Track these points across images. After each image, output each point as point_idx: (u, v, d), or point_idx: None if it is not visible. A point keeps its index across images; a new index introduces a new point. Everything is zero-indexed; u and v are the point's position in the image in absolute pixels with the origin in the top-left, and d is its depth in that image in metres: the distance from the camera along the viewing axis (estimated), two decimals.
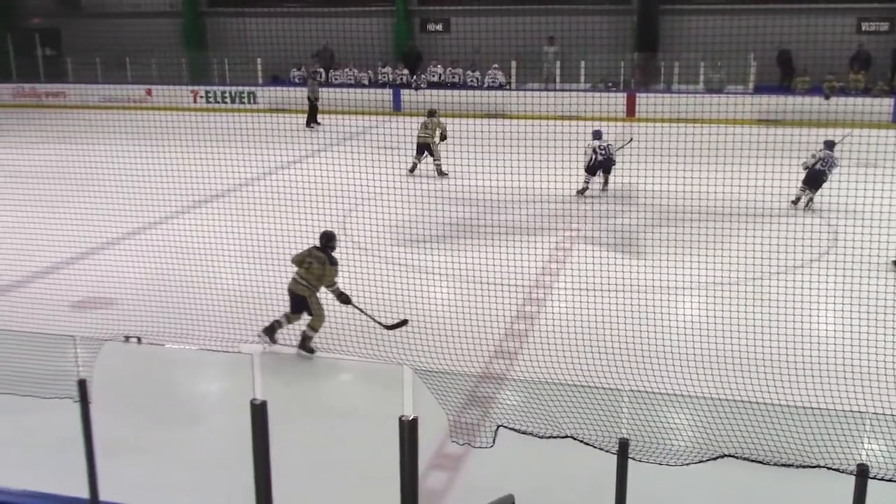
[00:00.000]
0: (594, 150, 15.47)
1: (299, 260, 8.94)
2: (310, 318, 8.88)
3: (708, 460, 5.38)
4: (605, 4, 27.27)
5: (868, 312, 8.89)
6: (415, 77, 27.80)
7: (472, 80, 27.01)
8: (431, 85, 26.96)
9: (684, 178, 10.19)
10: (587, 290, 9.63)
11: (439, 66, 27.85)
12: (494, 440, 5.56)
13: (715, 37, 22.02)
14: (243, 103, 27.57)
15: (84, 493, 5.61)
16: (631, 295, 9.75)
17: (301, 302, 8.88)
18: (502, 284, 9.78)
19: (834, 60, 23.42)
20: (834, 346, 7.90)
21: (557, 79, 26.52)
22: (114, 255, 11.28)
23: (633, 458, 5.19)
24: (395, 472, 5.02)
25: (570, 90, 23.41)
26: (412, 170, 17.44)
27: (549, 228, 13.23)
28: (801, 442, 5.30)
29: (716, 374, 7.43)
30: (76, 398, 5.35)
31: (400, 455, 5.05)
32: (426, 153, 17.44)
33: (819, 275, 9.64)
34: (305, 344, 8.79)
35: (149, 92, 27.92)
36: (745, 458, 5.23)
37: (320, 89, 24.00)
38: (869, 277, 9.72)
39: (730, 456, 5.35)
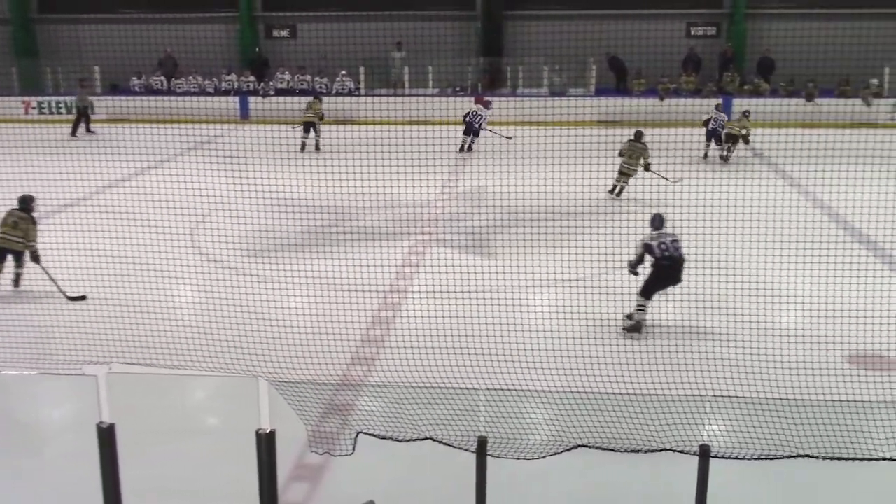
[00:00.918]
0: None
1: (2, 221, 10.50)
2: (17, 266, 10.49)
3: (563, 451, 5.55)
4: (450, 10, 27.66)
5: (700, 303, 9.38)
6: (262, 84, 27.32)
7: (320, 87, 26.78)
8: (279, 92, 26.54)
9: (531, 179, 10.45)
10: (442, 291, 9.73)
11: (287, 72, 27.47)
12: (354, 447, 5.54)
13: (556, 42, 22.71)
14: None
15: None
16: (484, 295, 9.92)
17: (8, 254, 10.48)
18: (357, 291, 9.74)
19: (667, 63, 24.70)
20: (673, 335, 8.31)
21: (406, 84, 26.70)
22: None
23: (492, 455, 5.29)
24: (254, 488, 4.91)
25: (419, 95, 23.62)
26: (302, 148, 19.72)
27: (402, 233, 13.30)
28: (647, 428, 5.54)
29: (568, 368, 7.65)
30: None
31: (258, 469, 4.95)
32: (311, 130, 20.23)
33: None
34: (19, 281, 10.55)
35: None
36: (597, 448, 5.43)
37: (91, 98, 23.99)
38: (706, 271, 10.26)
39: (583, 446, 5.54)
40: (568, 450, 5.46)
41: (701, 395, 5.96)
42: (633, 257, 9.52)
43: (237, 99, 26.37)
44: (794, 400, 6.41)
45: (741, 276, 9.64)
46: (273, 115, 19.32)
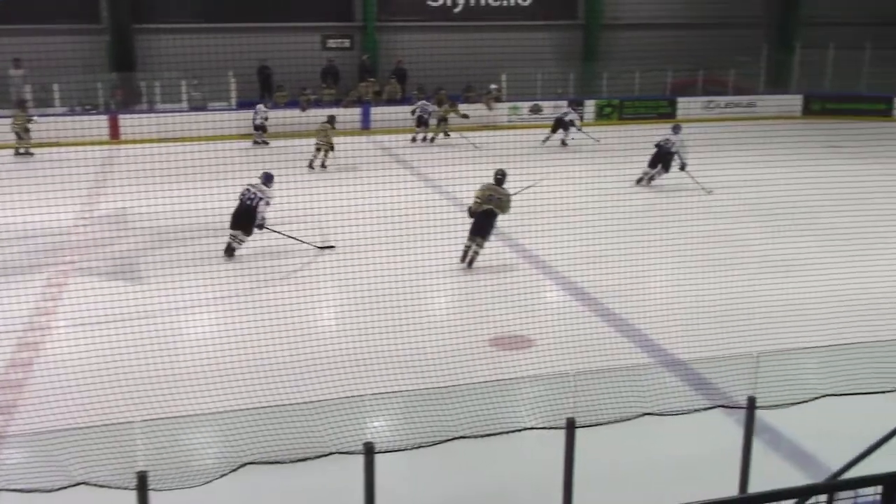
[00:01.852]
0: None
1: None
2: None
3: (230, 472, 5.43)
4: (73, 24, 25.80)
5: (348, 303, 9.69)
6: None
7: None
8: None
9: (173, 197, 10.09)
10: (89, 323, 9.06)
11: None
12: None
13: (192, 56, 22.15)
14: None
15: None
16: (135, 321, 9.40)
17: None
18: None
19: (308, 75, 25.14)
20: (323, 338, 8.48)
21: (30, 104, 24.50)
22: None
23: (155, 489, 5.04)
24: None
25: (47, 115, 21.84)
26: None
27: (38, 265, 12.19)
28: (312, 434, 5.59)
29: (227, 386, 7.50)
30: None
31: None
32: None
33: (324, 273, 10.25)
34: None
35: None
36: (264, 462, 5.38)
37: None
38: (351, 273, 10.61)
39: (251, 463, 5.46)
40: (234, 470, 5.35)
41: (360, 396, 6.14)
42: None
43: None
44: (449, 387, 6.83)
45: (384, 273, 10.09)
46: None
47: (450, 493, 6.75)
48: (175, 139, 13.72)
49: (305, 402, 5.98)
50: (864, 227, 11.90)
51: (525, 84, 26.12)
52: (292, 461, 5.38)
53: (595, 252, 10.27)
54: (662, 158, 17.35)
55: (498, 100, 26.26)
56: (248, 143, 22.64)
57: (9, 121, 21.40)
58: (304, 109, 23.07)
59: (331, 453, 5.46)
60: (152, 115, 23.09)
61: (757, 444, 5.99)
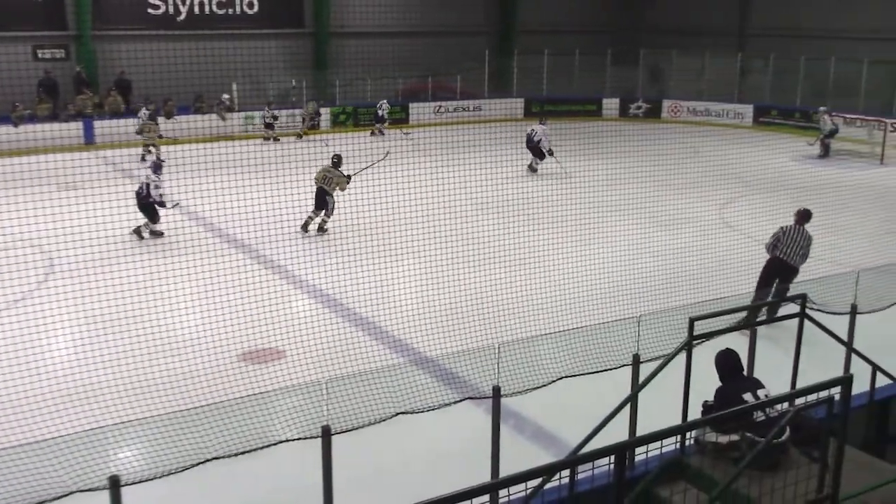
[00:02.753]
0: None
1: None
2: None
3: None
4: None
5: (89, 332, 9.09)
6: None
7: None
8: None
9: None
10: None
11: None
12: None
13: None
14: None
15: None
16: None
17: None
18: None
19: (21, 88, 23.04)
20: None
21: None
22: None
23: None
24: None
25: None
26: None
27: None
28: (51, 474, 5.16)
29: None
30: None
31: None
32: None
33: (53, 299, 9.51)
34: None
35: None
36: None
37: None
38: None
39: None
40: None
41: (102, 427, 5.77)
42: None
43: None
44: (198, 407, 6.57)
45: (120, 295, 9.57)
46: None
47: None
48: None
49: (38, 441, 5.50)
50: (583, 218, 12.90)
51: (258, 93, 25.74)
52: None
53: (341, 259, 10.35)
54: (533, 148, 19.56)
55: (230, 110, 25.66)
56: None
57: None
58: (16, 125, 21.26)
59: (72, 493, 5.08)
60: None
61: (504, 430, 6.29)
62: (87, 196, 10.75)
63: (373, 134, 26.03)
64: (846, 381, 4.60)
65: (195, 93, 24.49)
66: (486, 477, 5.94)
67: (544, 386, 6.57)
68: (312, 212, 14.54)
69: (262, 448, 5.70)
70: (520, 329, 9.21)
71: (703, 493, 4.87)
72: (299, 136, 24.88)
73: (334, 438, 5.51)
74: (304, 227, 14.29)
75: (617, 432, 5.36)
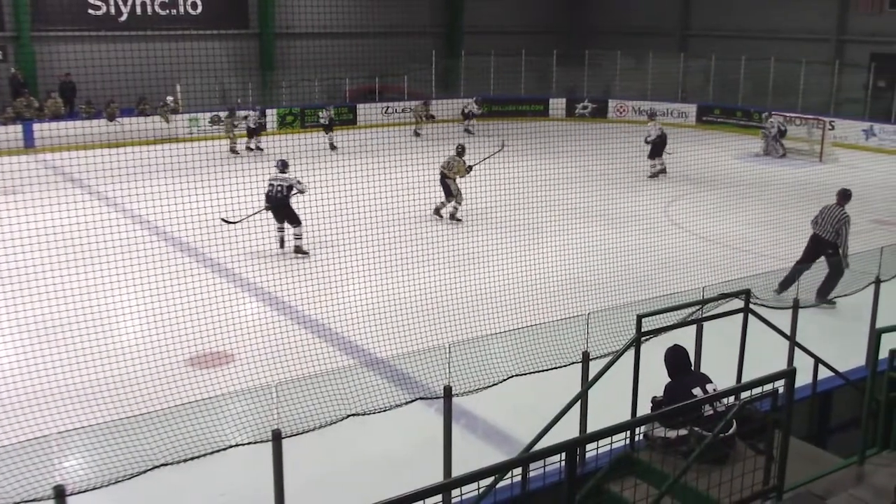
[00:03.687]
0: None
1: None
2: None
3: None
4: None
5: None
6: None
7: None
8: None
9: None
10: None
11: None
12: None
13: None
14: None
15: None
16: None
17: None
18: None
19: None
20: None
21: None
22: None
23: None
24: None
25: None
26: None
27: None
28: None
29: None
30: None
31: None
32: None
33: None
34: None
35: None
36: None
37: None
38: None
39: None
40: None
41: (45, 436, 5.64)
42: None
43: None
44: (145, 414, 6.47)
45: (62, 301, 9.38)
46: None
47: None
48: None
49: None
50: (531, 218, 12.98)
51: (203, 95, 25.38)
52: None
53: (289, 261, 10.27)
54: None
55: (175, 111, 25.28)
56: None
57: None
58: None
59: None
60: None
61: (456, 430, 6.30)
62: (27, 200, 10.51)
63: (416, 135, 26.15)
64: (789, 374, 4.71)
65: (138, 95, 24.09)
66: (438, 477, 5.94)
67: (495, 385, 6.59)
68: (444, 199, 15.33)
69: (211, 453, 5.62)
70: (470, 329, 9.22)
71: (654, 487, 4.92)
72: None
73: (286, 442, 5.46)
74: (437, 212, 15.28)
75: (568, 429, 5.41)
